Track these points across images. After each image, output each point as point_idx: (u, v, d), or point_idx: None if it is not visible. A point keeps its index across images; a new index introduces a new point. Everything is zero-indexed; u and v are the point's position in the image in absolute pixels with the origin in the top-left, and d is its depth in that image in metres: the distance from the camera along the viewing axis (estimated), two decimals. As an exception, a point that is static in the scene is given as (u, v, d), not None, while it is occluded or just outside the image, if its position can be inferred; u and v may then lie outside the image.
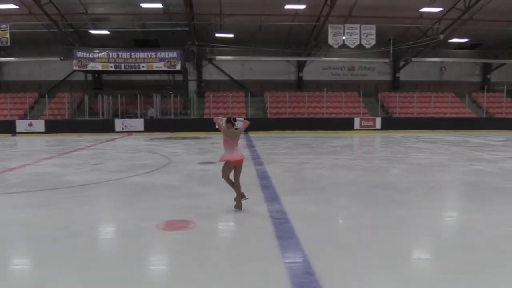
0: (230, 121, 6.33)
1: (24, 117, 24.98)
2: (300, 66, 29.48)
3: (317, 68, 29.79)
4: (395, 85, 30.14)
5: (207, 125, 23.92)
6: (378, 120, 25.19)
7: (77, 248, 5.06)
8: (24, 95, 26.68)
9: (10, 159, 13.17)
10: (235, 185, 6.47)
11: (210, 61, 28.60)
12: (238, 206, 6.48)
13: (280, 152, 14.80)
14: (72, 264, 4.61)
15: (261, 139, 19.95)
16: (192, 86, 28.76)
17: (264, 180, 9.13)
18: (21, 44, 25.41)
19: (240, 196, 6.48)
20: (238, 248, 5.14)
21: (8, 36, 23.08)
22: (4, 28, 23.04)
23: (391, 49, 26.39)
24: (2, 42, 23.21)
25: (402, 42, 26.67)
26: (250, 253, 4.91)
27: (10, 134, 22.98)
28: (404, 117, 26.13)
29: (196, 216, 6.32)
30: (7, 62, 28.04)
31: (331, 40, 23.98)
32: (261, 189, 8.22)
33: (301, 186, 8.77)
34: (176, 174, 10.12)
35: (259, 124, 24.44)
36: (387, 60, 27.74)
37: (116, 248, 5.24)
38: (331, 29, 23.89)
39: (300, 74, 29.65)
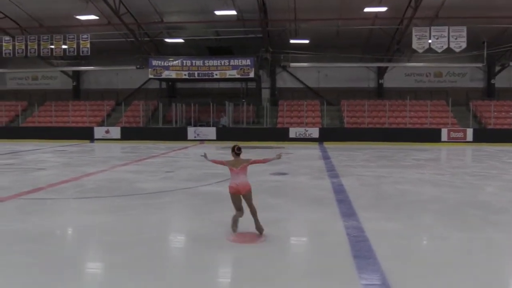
0: (234, 151, 6.17)
1: (101, 124, 26.89)
2: (381, 72, 28.68)
3: (399, 74, 28.80)
4: (490, 92, 28.21)
5: (280, 135, 24.05)
6: (470, 132, 23.69)
7: (148, 256, 5.29)
8: (102, 103, 28.74)
9: (87, 165, 14.20)
10: (250, 213, 6.09)
11: (284, 68, 28.81)
12: (259, 229, 6.11)
13: (357, 164, 14.44)
14: (142, 271, 4.83)
15: (337, 150, 19.63)
16: (266, 94, 29.14)
17: (340, 194, 8.96)
18: (100, 53, 27.47)
19: (257, 224, 6.08)
20: (310, 265, 5.07)
21: (88, 46, 25.08)
22: (85, 38, 25.08)
23: (485, 52, 24.78)
24: (83, 51, 25.26)
25: (498, 44, 24.94)
26: (324, 271, 4.82)
27: (88, 141, 24.83)
28: (500, 128, 24.33)
29: (267, 228, 6.34)
30: (86, 71, 30.46)
31: (415, 44, 23.08)
32: (337, 204, 8.07)
33: (380, 201, 8.48)
34: (247, 184, 10.24)
35: (335, 134, 24.09)
36: (480, 64, 26.09)
37: (186, 259, 5.41)
38: (415, 32, 23.01)
39: (381, 81, 28.83)
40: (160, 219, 7.12)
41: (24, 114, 28.94)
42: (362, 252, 5.32)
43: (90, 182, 10.70)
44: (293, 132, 24.29)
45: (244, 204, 6.09)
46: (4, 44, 25.66)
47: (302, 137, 24.11)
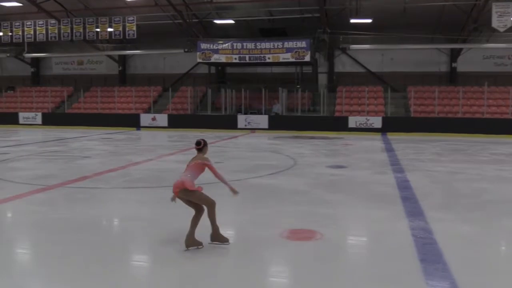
0: (197, 145, 5.76)
1: (148, 111, 27.72)
2: (454, 55, 27.52)
3: (476, 57, 27.50)
4: None
5: (338, 124, 23.76)
6: (561, 123, 22.27)
7: (196, 251, 5.44)
8: (149, 88, 29.60)
9: (134, 154, 14.74)
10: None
11: (344, 50, 28.33)
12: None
13: (426, 158, 14.02)
14: (189, 267, 4.98)
15: (402, 141, 19.13)
16: (322, 79, 28.83)
17: (405, 191, 8.75)
18: (147, 36, 28.20)
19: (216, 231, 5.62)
20: (370, 267, 5.01)
21: (134, 28, 25.82)
22: (131, 20, 25.83)
23: None
24: (129, 34, 26.04)
25: None
26: (385, 275, 4.75)
27: (134, 128, 25.71)
28: None
29: (324, 226, 6.33)
30: (133, 55, 31.42)
31: (495, 22, 21.90)
32: (401, 201, 7.89)
33: (452, 200, 8.20)
34: (303, 177, 10.25)
35: (400, 124, 23.46)
36: None
37: (236, 255, 5.50)
38: (495, 8, 21.82)
39: (454, 64, 27.67)
40: (209, 213, 7.26)
41: (70, 100, 30.35)
42: (429, 256, 5.18)
43: (136, 172, 11.10)
44: (352, 121, 23.90)
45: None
46: (49, 27, 26.96)
47: (362, 127, 23.68)
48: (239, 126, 24.81)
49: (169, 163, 12.69)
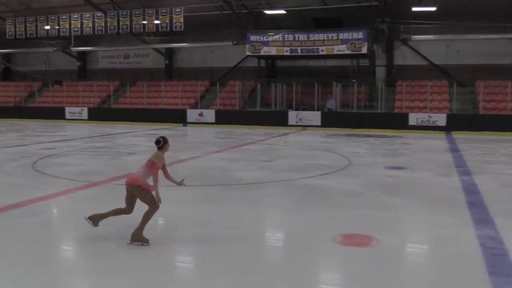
0: (157, 143, 5.88)
1: (194, 106, 28.16)
2: (530, 45, 26.23)
3: (556, 47, 26.09)
4: None
5: (397, 121, 23.23)
6: None
7: (241, 253, 5.48)
8: (196, 83, 30.06)
9: (180, 151, 15.02)
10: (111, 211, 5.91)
11: (405, 41, 27.63)
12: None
13: (497, 160, 13.47)
14: (233, 269, 5.01)
15: (469, 141, 18.47)
16: (380, 73, 28.26)
17: (472, 195, 8.44)
18: (194, 28, 28.63)
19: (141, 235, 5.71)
20: (432, 279, 4.85)
21: (182, 20, 26.28)
22: (179, 12, 26.32)
23: None
24: (176, 27, 26.53)
25: None
26: (449, 287, 4.60)
27: (181, 124, 26.21)
28: None
29: (380, 231, 6.20)
30: (180, 48, 32.01)
31: None
32: (468, 207, 7.61)
33: (526, 207, 7.83)
34: (358, 178, 10.13)
35: (467, 122, 22.64)
36: None
37: (283, 259, 5.49)
38: None
39: (529, 56, 26.38)
40: (256, 213, 7.31)
41: (116, 94, 31.31)
42: (500, 268, 4.97)
43: (182, 169, 11.30)
44: (413, 118, 23.31)
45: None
46: (96, 20, 27.92)
47: (424, 124, 23.03)
48: (289, 123, 24.75)
49: (216, 161, 12.86)
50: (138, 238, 5.72)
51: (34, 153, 13.87)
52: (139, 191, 5.75)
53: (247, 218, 6.97)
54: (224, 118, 25.99)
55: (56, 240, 6.16)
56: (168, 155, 13.73)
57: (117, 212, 5.97)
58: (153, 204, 5.76)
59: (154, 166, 5.76)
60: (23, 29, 29.20)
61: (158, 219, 7.23)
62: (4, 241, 5.87)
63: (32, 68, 35.34)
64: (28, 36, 29.42)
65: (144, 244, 5.67)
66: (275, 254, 5.71)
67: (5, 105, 31.32)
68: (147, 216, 5.77)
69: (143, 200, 5.78)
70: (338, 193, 8.69)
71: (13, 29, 29.34)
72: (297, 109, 25.61)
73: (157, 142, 5.88)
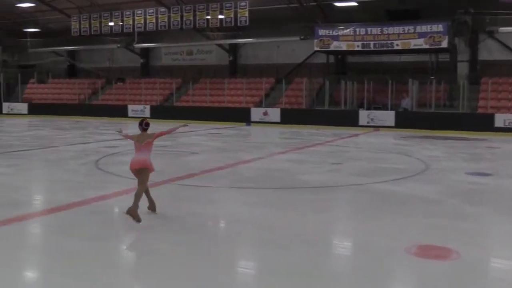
0: (142, 125, 7.29)
1: (259, 104, 28.34)
2: None
3: None
4: None
5: (481, 123, 22.29)
6: None
7: (308, 260, 5.44)
8: (261, 80, 30.24)
9: (243, 151, 15.21)
10: (136, 192, 7.00)
11: (491, 34, 26.46)
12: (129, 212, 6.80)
13: None
14: (300, 277, 4.98)
15: None
16: (463, 69, 27.18)
17: None
18: (259, 23, 28.79)
19: (135, 208, 6.76)
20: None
21: (247, 14, 26.50)
22: (243, 6, 26.54)
23: None
24: (241, 21, 26.79)
25: None
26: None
27: (244, 123, 26.46)
28: None
29: (461, 243, 5.97)
30: (244, 44, 32.32)
31: None
32: None
33: None
34: (436, 184, 9.82)
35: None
36: None
37: (353, 269, 5.42)
38: None
39: None
40: (324, 219, 7.27)
41: (178, 92, 32.10)
42: None
43: (246, 170, 11.46)
44: (500, 119, 22.26)
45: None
46: (159, 16, 28.77)
47: (513, 126, 21.96)
48: (360, 123, 24.36)
49: (281, 162, 12.88)
50: (133, 214, 6.70)
51: (97, 151, 14.49)
52: (146, 172, 7.07)
53: (314, 224, 6.94)
54: (290, 117, 25.98)
55: (118, 239, 6.40)
56: (230, 156, 14.05)
57: (140, 195, 6.96)
58: (144, 185, 7.02)
59: (151, 143, 7.32)
60: (87, 26, 30.55)
61: (221, 220, 7.37)
62: (67, 239, 6.17)
63: (96, 65, 36.95)
64: (92, 33, 30.76)
65: (136, 221, 6.64)
66: (344, 263, 5.64)
67: (70, 102, 32.94)
68: (139, 195, 6.91)
69: (142, 179, 7.01)
70: (414, 200, 8.48)
71: (77, 26, 30.78)
72: (368, 108, 25.17)
73: (147, 124, 7.38)
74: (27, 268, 5.39)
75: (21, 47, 36.84)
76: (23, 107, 32.90)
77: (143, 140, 7.23)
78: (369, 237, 6.33)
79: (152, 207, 7.33)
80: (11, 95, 35.38)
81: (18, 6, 31.38)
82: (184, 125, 8.18)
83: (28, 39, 36.06)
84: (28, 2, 29.78)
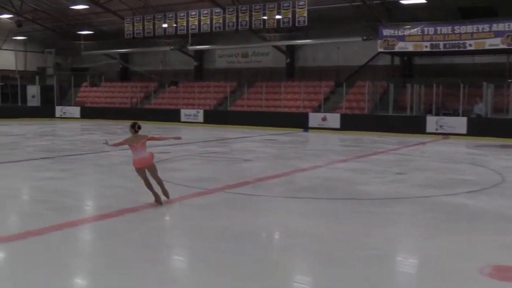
0: (135, 128, 8.42)
1: (317, 109, 28.21)
2: None
3: None
4: None
5: None
6: None
7: (370, 278, 5.36)
8: (319, 83, 30.10)
9: (300, 159, 15.17)
10: (157, 183, 8.45)
11: None
12: (158, 200, 8.40)
13: None
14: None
15: None
16: (546, 71, 26.12)
17: None
18: (318, 23, 28.64)
19: (164, 189, 8.50)
20: None
21: (305, 14, 26.45)
22: (302, 5, 26.51)
23: None
24: (299, 22, 26.78)
25: None
26: None
27: (301, 129, 26.41)
28: None
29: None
30: (302, 45, 32.28)
31: None
32: None
33: None
34: (512, 198, 9.47)
35: None
36: None
37: (421, 288, 5.28)
38: None
39: None
40: (387, 234, 7.13)
41: (233, 96, 32.45)
42: None
43: (303, 179, 11.42)
44: None
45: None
46: (214, 17, 29.19)
47: None
48: (428, 130, 23.80)
49: (341, 171, 12.77)
50: (166, 193, 8.57)
51: (148, 157, 14.81)
52: (154, 167, 8.46)
53: (376, 239, 6.80)
54: (350, 123, 25.71)
55: (168, 248, 6.51)
56: (286, 164, 14.05)
57: (161, 180, 8.55)
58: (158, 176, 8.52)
59: (145, 143, 8.41)
60: (141, 28, 31.43)
61: (274, 231, 7.36)
62: (118, 246, 6.36)
63: (149, 68, 37.87)
64: (145, 35, 31.61)
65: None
66: (409, 284, 5.50)
67: (122, 106, 33.93)
68: (160, 179, 8.51)
69: (156, 172, 8.45)
70: (488, 216, 8.19)
71: (131, 28, 31.72)
72: (437, 114, 24.58)
73: (139, 127, 8.51)
74: (78, 275, 5.58)
75: (75, 50, 38.30)
76: (75, 111, 34.22)
77: (139, 141, 8.34)
78: (437, 255, 6.15)
79: (158, 200, 8.44)
80: (64, 98, 36.89)
81: (72, 8, 32.64)
82: (177, 138, 9.69)
83: (82, 42, 37.40)
84: (82, 4, 30.91)
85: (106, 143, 8.69)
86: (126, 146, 8.46)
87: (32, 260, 5.77)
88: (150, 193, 8.38)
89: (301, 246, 6.53)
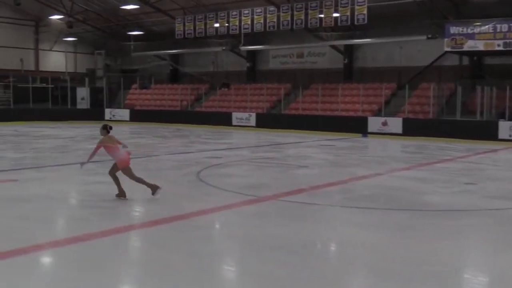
0: (107, 129, 9.17)
1: (378, 113, 27.83)
2: None
3: None
4: None
5: None
6: None
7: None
8: (380, 85, 29.69)
9: (358, 165, 15.00)
10: (140, 180, 9.45)
11: None
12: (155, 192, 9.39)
13: None
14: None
15: None
16: None
17: None
18: (378, 21, 28.24)
19: (152, 187, 9.43)
20: None
21: (365, 12, 26.15)
22: (362, 2, 26.22)
23: None
24: (358, 20, 26.49)
25: None
26: None
27: (360, 134, 26.13)
28: None
29: None
30: (361, 44, 31.91)
31: None
32: None
33: None
34: None
35: None
36: None
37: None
38: None
39: None
40: (454, 248, 6.97)
41: (287, 98, 32.44)
42: None
43: (361, 188, 11.28)
44: None
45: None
46: (268, 15, 29.29)
47: None
48: (500, 137, 23.12)
49: (403, 179, 12.55)
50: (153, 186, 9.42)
51: (198, 161, 15.02)
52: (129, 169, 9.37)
53: (442, 253, 6.64)
54: (414, 128, 25.25)
55: (219, 257, 6.55)
56: (343, 171, 13.93)
57: (140, 178, 9.54)
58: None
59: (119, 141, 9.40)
60: (192, 27, 31.90)
61: (330, 243, 7.30)
62: (167, 254, 6.46)
63: (200, 69, 38.40)
64: (197, 35, 32.05)
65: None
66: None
67: (172, 109, 34.52)
68: (141, 180, 9.50)
69: (132, 175, 9.42)
70: None
71: (182, 28, 32.25)
72: (510, 119, 23.85)
73: (111, 128, 9.35)
74: (125, 282, 5.71)
75: (124, 51, 39.29)
76: (125, 113, 35.08)
77: (114, 142, 9.19)
78: (510, 273, 5.96)
79: (122, 194, 9.43)
80: (113, 101, 37.87)
81: (122, 8, 33.51)
82: (125, 148, 9.68)
83: (132, 43, 38.29)
84: (132, 4, 31.70)
85: (82, 164, 9.73)
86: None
87: (80, 266, 5.94)
88: (199, 200, 8.47)
89: (359, 259, 6.45)
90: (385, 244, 7.02)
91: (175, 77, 40.42)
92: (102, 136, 9.29)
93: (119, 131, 27.41)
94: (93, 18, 37.18)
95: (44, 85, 36.33)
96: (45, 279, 5.68)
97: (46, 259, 6.45)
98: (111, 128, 9.32)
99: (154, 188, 9.36)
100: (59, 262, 6.31)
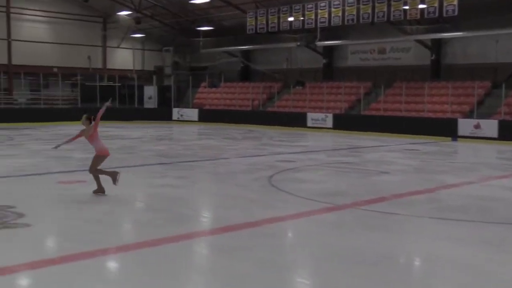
0: (90, 120, 10.04)
1: (469, 115, 27.02)
2: None
3: None
4: None
5: None
6: None
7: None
8: (472, 84, 28.81)
9: (447, 172, 14.59)
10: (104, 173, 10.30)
11: None
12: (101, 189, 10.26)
13: None
14: None
15: None
16: None
17: None
18: (469, 13, 27.41)
19: (111, 174, 10.26)
20: None
21: (456, 3, 25.42)
22: (452, -8, 25.57)
23: None
24: (447, 11, 25.79)
25: None
26: None
27: (449, 138, 25.44)
28: None
29: None
30: (450, 39, 31.06)
31: None
32: None
33: None
34: None
35: None
36: None
37: None
38: None
39: None
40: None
41: (367, 98, 32.02)
42: None
43: (451, 197, 10.98)
44: None
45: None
46: (347, 8, 28.98)
47: None
48: None
49: (499, 189, 12.14)
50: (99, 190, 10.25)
51: (271, 165, 15.07)
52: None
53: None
54: (511, 131, 24.35)
55: (293, 268, 6.54)
56: (430, 178, 13.62)
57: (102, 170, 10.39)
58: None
59: (95, 125, 10.05)
60: (264, 22, 32.05)
61: (414, 257, 7.13)
62: (236, 262, 6.52)
63: (272, 66, 38.51)
64: (269, 30, 32.17)
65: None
66: None
67: (243, 109, 34.84)
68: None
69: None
70: None
71: (253, 23, 32.47)
72: None
73: (94, 118, 10.04)
74: (193, 293, 5.78)
75: (193, 47, 39.99)
76: (193, 113, 35.70)
77: (93, 129, 9.99)
78: None
79: (101, 190, 10.22)
80: (181, 100, 38.60)
81: (191, 3, 34.13)
82: (108, 104, 10.43)
83: (201, 39, 38.86)
84: (202, -3, 32.28)
85: (57, 146, 10.79)
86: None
87: (147, 272, 6.07)
88: (271, 206, 8.45)
89: (449, 278, 6.24)
90: (479, 261, 6.75)
91: (246, 75, 40.74)
92: (85, 127, 10.12)
93: (187, 132, 28.00)
94: (161, 13, 38.10)
95: (111, 83, 37.56)
96: (111, 284, 5.86)
97: (112, 264, 6.65)
98: (94, 119, 10.09)
99: (113, 175, 10.24)
100: (126, 268, 6.48)
